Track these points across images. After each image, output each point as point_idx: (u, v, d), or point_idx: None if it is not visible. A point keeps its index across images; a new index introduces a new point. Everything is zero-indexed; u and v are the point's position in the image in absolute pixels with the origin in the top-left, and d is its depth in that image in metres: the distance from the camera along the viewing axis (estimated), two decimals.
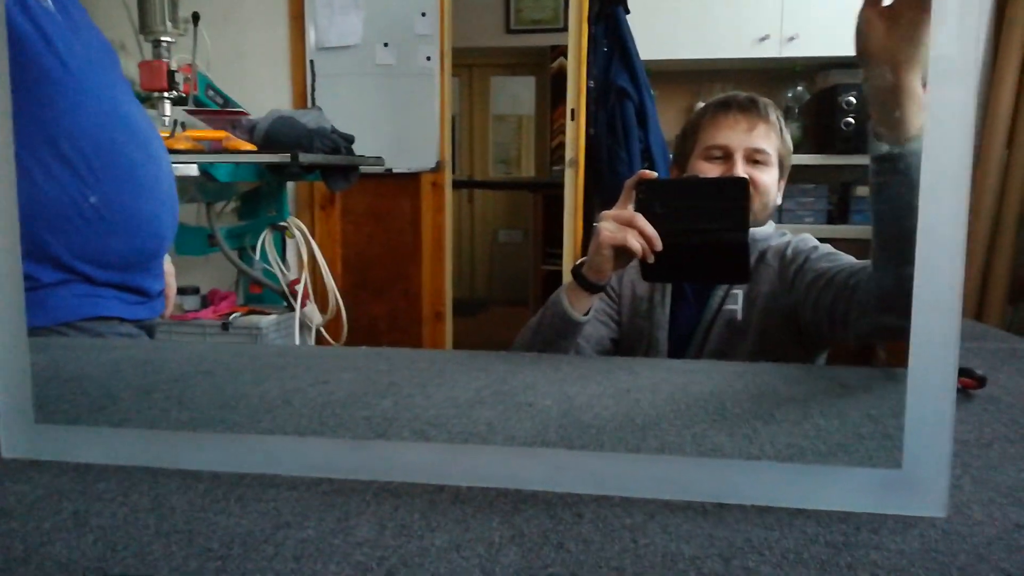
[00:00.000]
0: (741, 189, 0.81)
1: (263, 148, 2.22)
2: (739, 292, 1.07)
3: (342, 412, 0.58)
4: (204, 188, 2.17)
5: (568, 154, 2.37)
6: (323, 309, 2.57)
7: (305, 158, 2.18)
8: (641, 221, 0.82)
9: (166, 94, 2.07)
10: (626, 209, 0.84)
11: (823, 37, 2.84)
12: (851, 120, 2.85)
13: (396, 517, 0.40)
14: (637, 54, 2.30)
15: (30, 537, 0.38)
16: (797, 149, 1.18)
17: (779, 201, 1.14)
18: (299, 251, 2.47)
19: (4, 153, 0.46)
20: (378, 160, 2.66)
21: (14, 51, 0.48)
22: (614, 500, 0.42)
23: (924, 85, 0.65)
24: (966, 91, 0.36)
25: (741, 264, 0.82)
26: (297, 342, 2.39)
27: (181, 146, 2.02)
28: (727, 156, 1.07)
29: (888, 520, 0.39)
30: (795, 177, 1.19)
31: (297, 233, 2.46)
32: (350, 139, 2.46)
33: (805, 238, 1.08)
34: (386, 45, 3.00)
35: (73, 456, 0.48)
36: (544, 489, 0.43)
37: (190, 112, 2.33)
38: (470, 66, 5.27)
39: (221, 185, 2.14)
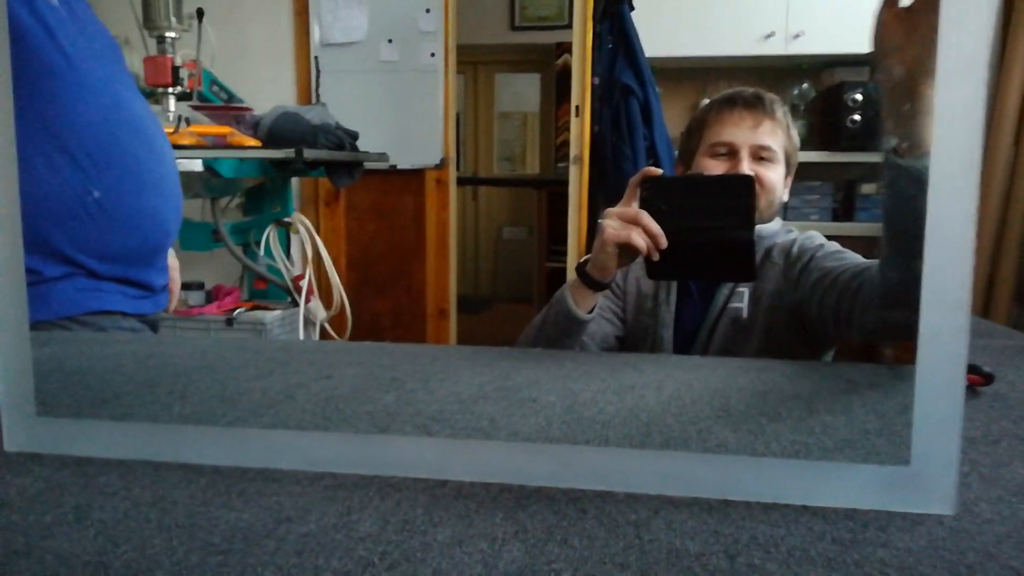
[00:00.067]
0: (747, 186, 0.81)
1: (267, 144, 2.22)
2: (744, 290, 1.06)
3: (345, 407, 0.58)
4: (208, 183, 2.17)
5: (573, 151, 2.36)
6: (327, 305, 2.58)
7: (309, 154, 2.18)
8: (646, 218, 0.82)
9: (170, 89, 2.07)
10: (630, 206, 0.84)
11: (829, 34, 2.83)
12: (857, 118, 2.84)
13: (398, 512, 0.40)
14: (642, 51, 2.29)
15: (31, 530, 0.38)
16: (802, 147, 1.17)
17: (786, 198, 1.13)
18: (303, 247, 2.47)
19: (6, 147, 0.46)
20: (382, 156, 2.66)
21: (17, 45, 0.48)
22: (618, 496, 0.41)
23: None
24: (975, 87, 0.36)
25: (747, 262, 0.81)
26: (301, 338, 2.39)
27: (185, 141, 2.02)
28: (732, 153, 1.07)
29: (895, 517, 0.38)
30: (800, 174, 1.18)
31: (301, 229, 2.46)
32: (354, 135, 2.46)
33: (811, 236, 1.08)
34: (390, 41, 3.00)
35: (75, 450, 0.48)
36: (548, 485, 0.43)
37: (194, 108, 2.33)
38: (475, 63, 5.26)
39: (225, 181, 2.14)
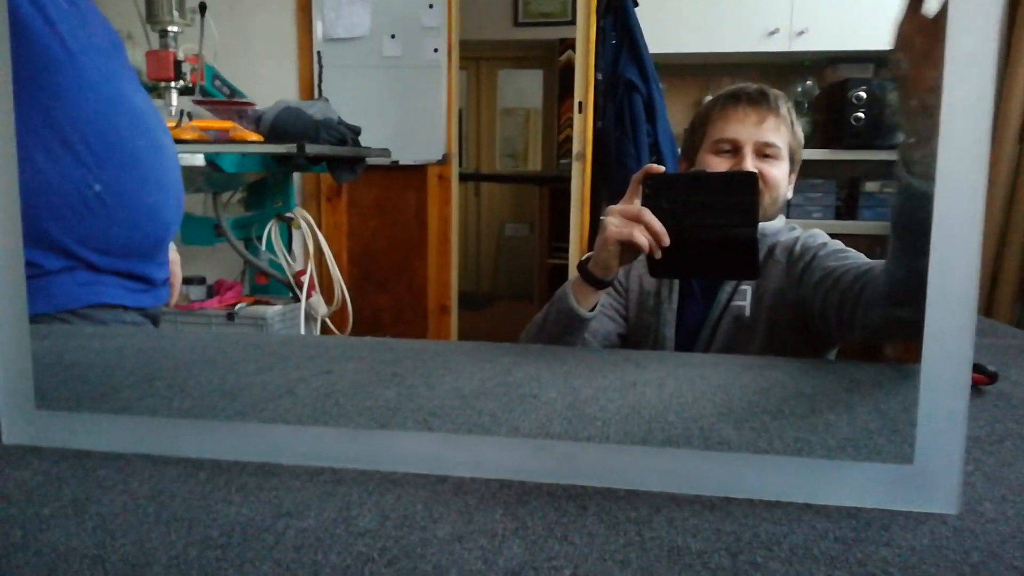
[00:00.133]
0: (750, 184, 0.80)
1: (269, 139, 2.22)
2: (747, 288, 1.06)
3: (345, 402, 0.58)
4: (210, 178, 2.17)
5: (575, 147, 2.36)
6: (328, 300, 2.58)
7: (311, 149, 2.18)
8: (648, 216, 0.81)
9: (173, 84, 2.07)
10: (633, 204, 0.83)
11: (833, 31, 2.82)
12: (861, 115, 2.83)
13: (398, 508, 0.39)
14: (646, 47, 2.28)
15: (29, 523, 0.38)
16: (806, 144, 1.17)
17: (789, 195, 1.13)
18: (305, 242, 2.47)
19: (6, 140, 0.46)
20: (384, 152, 2.66)
21: (17, 37, 0.48)
22: (619, 493, 0.41)
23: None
24: (982, 87, 0.36)
25: (750, 260, 0.81)
26: (302, 333, 2.39)
27: (187, 136, 2.02)
28: (736, 150, 1.06)
29: (899, 516, 0.38)
30: (803, 172, 1.18)
31: (303, 224, 2.46)
32: (356, 131, 2.45)
33: (814, 234, 1.07)
34: (393, 37, 2.99)
35: (73, 443, 0.48)
36: (548, 481, 0.42)
37: (196, 102, 2.33)
38: (477, 59, 5.25)
39: (227, 175, 2.14)
